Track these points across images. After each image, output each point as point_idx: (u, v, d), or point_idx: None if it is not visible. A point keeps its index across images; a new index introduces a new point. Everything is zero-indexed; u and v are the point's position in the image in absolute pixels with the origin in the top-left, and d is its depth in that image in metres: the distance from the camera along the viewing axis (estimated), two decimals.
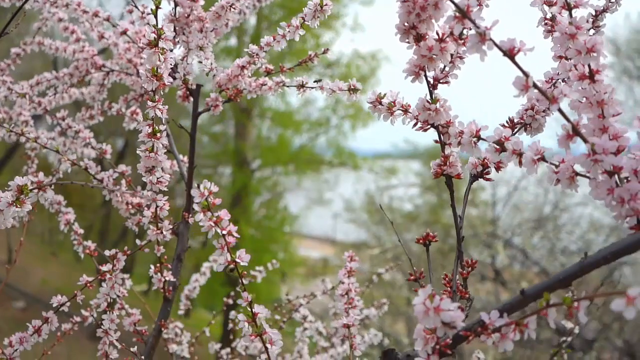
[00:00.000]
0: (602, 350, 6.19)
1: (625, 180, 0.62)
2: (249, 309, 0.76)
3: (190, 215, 1.13)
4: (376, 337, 1.53)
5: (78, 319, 1.26)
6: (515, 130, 0.81)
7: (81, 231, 1.22)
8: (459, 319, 0.59)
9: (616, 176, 0.62)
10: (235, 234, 0.73)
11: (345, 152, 11.96)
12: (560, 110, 0.60)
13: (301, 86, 1.07)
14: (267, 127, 12.30)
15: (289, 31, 1.02)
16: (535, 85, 0.59)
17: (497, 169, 0.79)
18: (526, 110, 0.81)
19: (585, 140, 0.60)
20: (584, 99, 0.64)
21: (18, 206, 0.78)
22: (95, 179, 1.11)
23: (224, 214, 0.73)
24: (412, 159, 11.86)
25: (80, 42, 1.34)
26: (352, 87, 0.98)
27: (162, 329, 1.13)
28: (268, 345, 0.75)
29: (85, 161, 1.12)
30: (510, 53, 0.60)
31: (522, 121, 0.81)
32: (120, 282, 1.03)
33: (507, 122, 0.82)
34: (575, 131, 0.60)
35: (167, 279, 1.11)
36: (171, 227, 1.05)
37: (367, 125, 11.60)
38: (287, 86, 1.10)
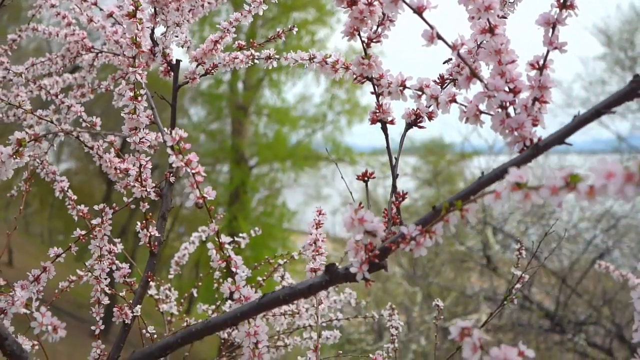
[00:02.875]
0: (594, 335, 6.33)
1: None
2: (217, 239, 0.88)
3: (173, 177, 1.26)
4: (351, 296, 1.66)
5: (74, 278, 1.39)
6: (445, 84, 0.94)
7: (75, 197, 1.35)
8: (380, 229, 0.72)
9: (512, 110, 0.75)
10: (203, 174, 0.86)
11: (342, 147, 12.08)
12: (460, 56, 0.73)
13: (268, 58, 1.21)
14: (264, 124, 12.41)
15: (253, 6, 1.15)
16: (439, 36, 0.72)
17: (429, 118, 0.92)
18: (454, 67, 0.93)
19: (481, 80, 0.73)
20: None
21: (17, 157, 0.90)
22: (86, 146, 1.24)
23: (193, 157, 0.86)
24: (409, 154, 11.99)
25: (71, 26, 1.47)
26: (312, 56, 1.11)
27: (149, 280, 1.26)
28: (234, 269, 0.88)
29: (77, 130, 1.25)
30: (419, 10, 0.72)
31: (450, 77, 0.94)
32: (108, 234, 1.16)
33: (438, 77, 0.94)
34: (473, 74, 0.73)
35: (152, 234, 1.23)
36: (154, 185, 1.18)
37: (363, 120, 11.73)
38: (257, 59, 1.23)
